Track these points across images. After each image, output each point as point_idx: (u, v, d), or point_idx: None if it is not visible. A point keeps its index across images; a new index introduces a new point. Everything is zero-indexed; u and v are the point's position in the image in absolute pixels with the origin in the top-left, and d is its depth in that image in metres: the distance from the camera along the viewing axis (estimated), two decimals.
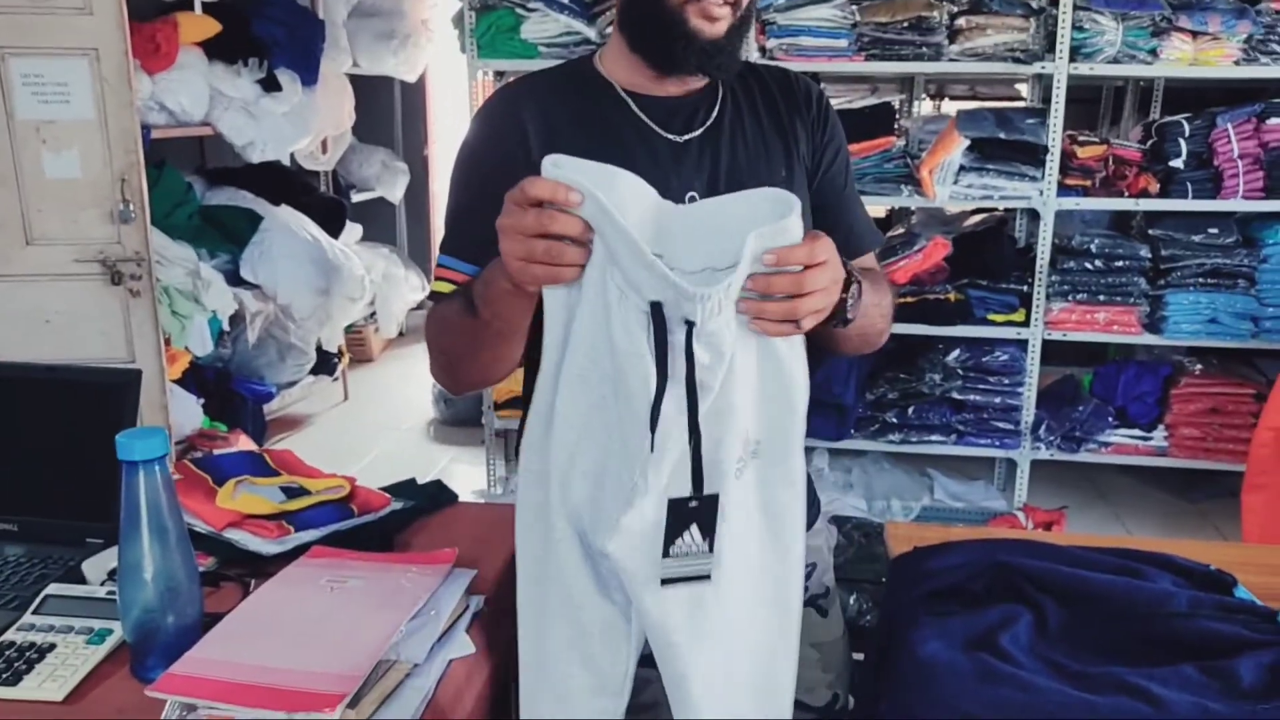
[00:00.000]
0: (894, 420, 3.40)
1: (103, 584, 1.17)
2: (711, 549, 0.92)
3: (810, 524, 1.28)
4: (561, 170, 0.86)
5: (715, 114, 1.16)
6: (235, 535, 1.28)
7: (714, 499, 0.91)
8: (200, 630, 1.04)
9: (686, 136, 1.14)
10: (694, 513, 0.91)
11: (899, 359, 3.45)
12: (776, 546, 0.98)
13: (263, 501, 1.33)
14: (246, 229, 3.85)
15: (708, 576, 0.92)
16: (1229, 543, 1.08)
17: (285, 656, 1.00)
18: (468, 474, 3.87)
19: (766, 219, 0.87)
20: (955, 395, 3.34)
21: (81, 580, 1.18)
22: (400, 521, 1.39)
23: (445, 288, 1.15)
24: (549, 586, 0.99)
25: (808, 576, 1.24)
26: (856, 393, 3.36)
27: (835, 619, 1.30)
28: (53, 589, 1.13)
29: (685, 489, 0.90)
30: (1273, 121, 3.09)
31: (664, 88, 1.15)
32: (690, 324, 0.85)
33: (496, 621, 1.24)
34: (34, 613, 1.09)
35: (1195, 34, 3.03)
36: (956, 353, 3.34)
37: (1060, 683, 0.98)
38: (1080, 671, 1.00)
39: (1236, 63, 3.05)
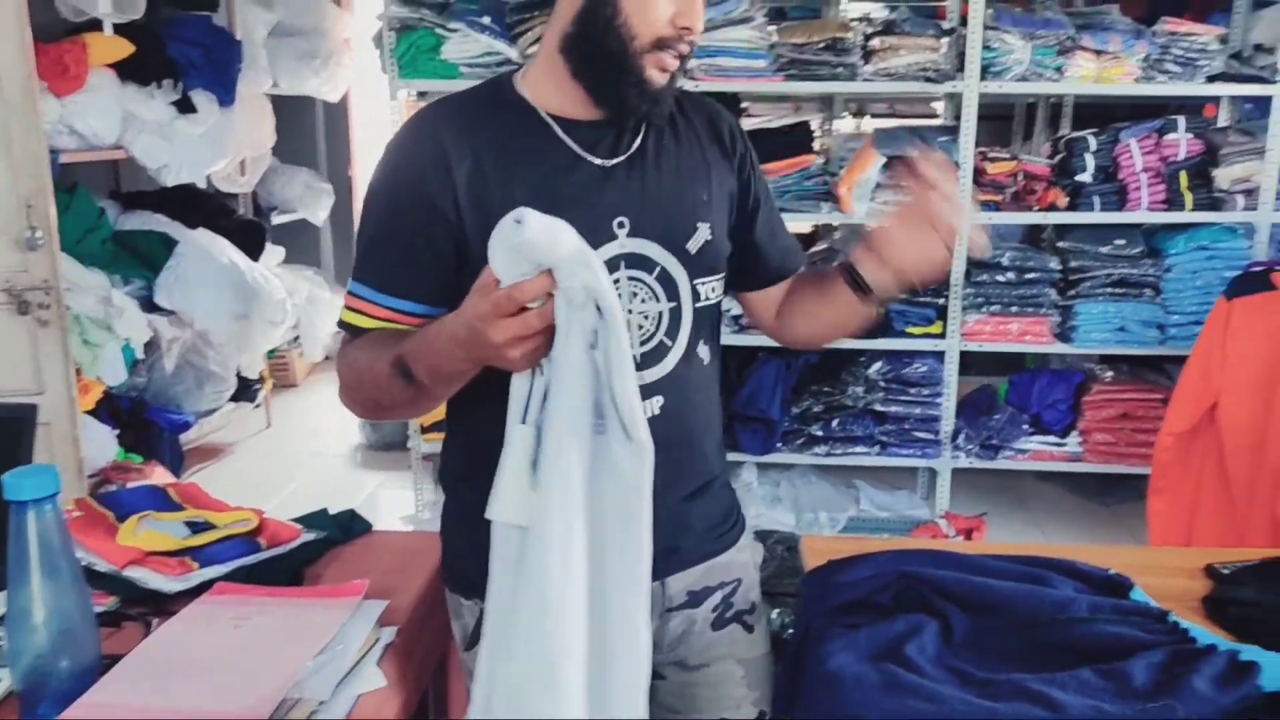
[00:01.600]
0: (819, 433, 3.44)
1: None
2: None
3: (735, 540, 1.29)
4: (531, 229, 0.87)
5: (640, 139, 1.16)
6: (136, 573, 1.25)
7: None
8: (98, 673, 1.01)
9: (613, 161, 1.14)
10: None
11: (822, 373, 3.49)
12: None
13: (165, 538, 1.30)
14: (161, 254, 3.76)
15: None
16: (1131, 546, 1.12)
17: (185, 697, 0.98)
18: (395, 499, 3.81)
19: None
20: (878, 407, 3.40)
21: None
22: (311, 553, 1.36)
23: (357, 320, 1.13)
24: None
25: (733, 594, 1.26)
26: (782, 407, 3.40)
27: (760, 635, 1.30)
28: None
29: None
30: (1171, 136, 3.22)
31: (588, 112, 1.14)
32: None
33: (409, 652, 1.22)
34: None
35: (1098, 52, 3.15)
36: (878, 365, 3.40)
37: (964, 690, 1.00)
38: (984, 679, 1.02)
39: (1136, 80, 3.17)
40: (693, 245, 1.15)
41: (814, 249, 3.61)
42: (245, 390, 4.38)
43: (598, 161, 1.13)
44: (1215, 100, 3.74)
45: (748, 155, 1.26)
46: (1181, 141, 3.21)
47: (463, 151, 1.09)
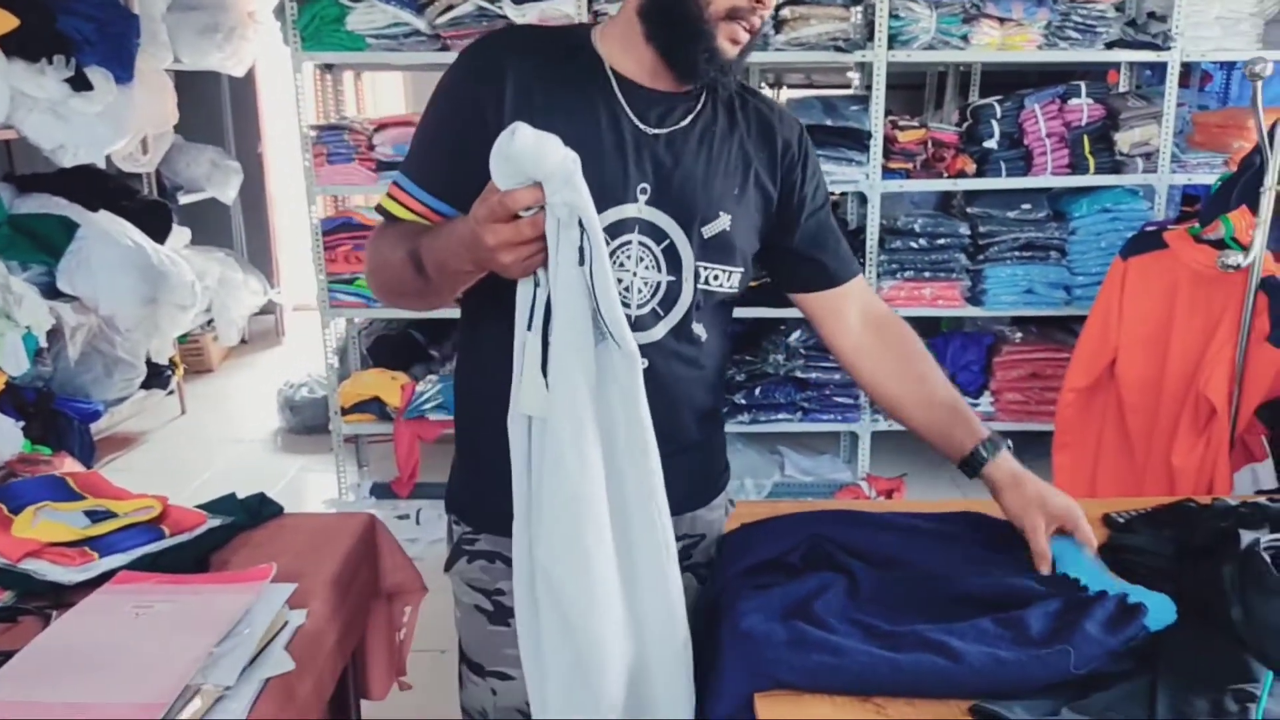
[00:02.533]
0: (742, 401, 3.48)
1: None
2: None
3: (707, 500, 1.34)
4: (520, 141, 0.93)
5: (690, 118, 1.19)
6: (34, 566, 1.21)
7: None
8: None
9: (656, 130, 1.17)
10: None
11: (744, 342, 3.53)
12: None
13: (64, 528, 1.26)
14: (61, 238, 3.61)
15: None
16: None
17: (84, 691, 0.95)
18: (319, 483, 3.75)
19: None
20: (798, 374, 3.45)
21: None
22: (218, 540, 1.34)
23: (394, 208, 1.18)
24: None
25: (694, 546, 1.32)
26: None
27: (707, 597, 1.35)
28: None
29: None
30: (1074, 102, 3.30)
31: (655, 81, 1.17)
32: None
33: (322, 634, 1.21)
34: None
35: (1002, 20, 3.21)
36: (798, 333, 3.45)
37: (868, 643, 1.03)
38: (888, 631, 1.05)
39: (1039, 47, 3.25)
40: (708, 231, 1.19)
41: None
42: (157, 377, 4.25)
43: (642, 127, 1.16)
44: (1116, 66, 3.85)
45: (801, 167, 1.28)
46: (1084, 107, 3.30)
47: (520, 76, 1.14)
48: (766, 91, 5.18)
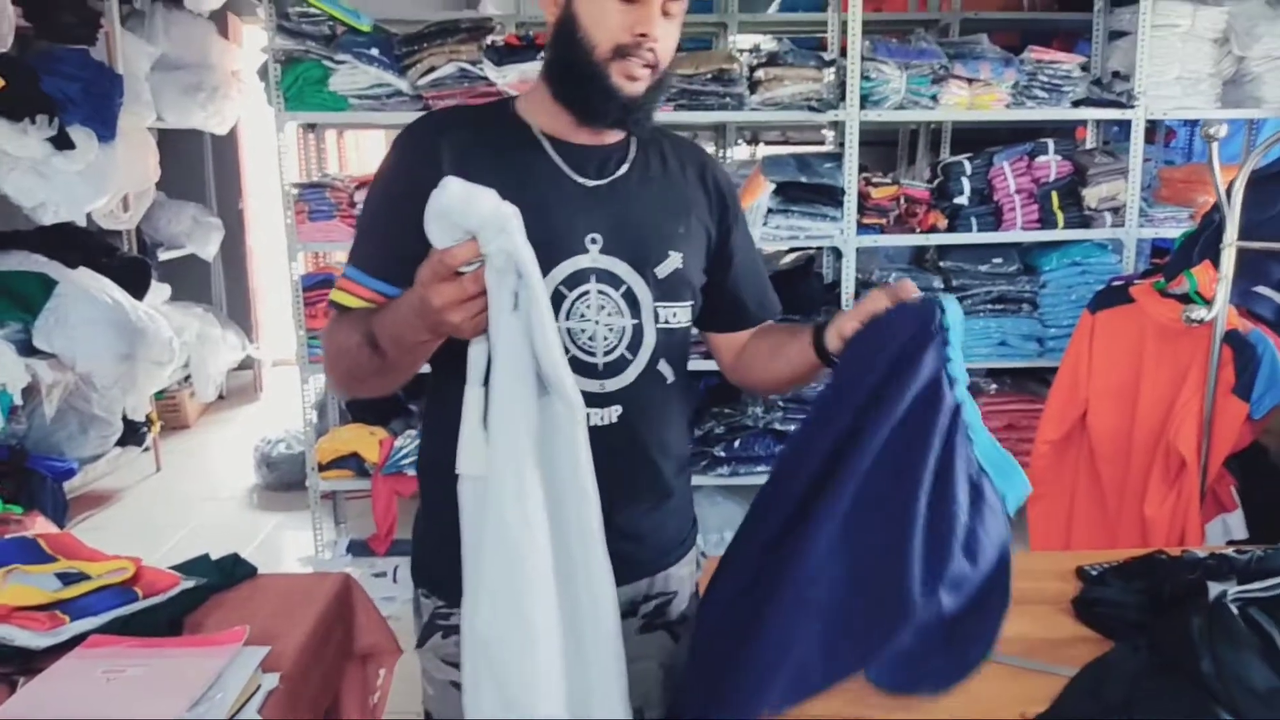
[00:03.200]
0: (722, 454, 3.48)
1: None
2: None
3: (681, 556, 1.34)
4: (449, 193, 0.94)
5: (626, 166, 1.23)
6: (1, 630, 1.20)
7: None
8: None
9: (597, 182, 1.21)
10: None
11: (723, 394, 3.55)
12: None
13: (34, 591, 1.25)
14: (39, 295, 3.61)
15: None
16: (1015, 554, 1.17)
17: None
18: (295, 540, 3.72)
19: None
20: (777, 426, 3.46)
21: None
22: (191, 601, 1.33)
23: (345, 299, 1.19)
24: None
25: (667, 604, 1.31)
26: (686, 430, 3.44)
27: (685, 646, 1.31)
28: None
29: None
30: (1042, 159, 3.38)
31: (580, 136, 1.21)
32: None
33: (295, 696, 1.20)
34: None
35: (970, 80, 3.29)
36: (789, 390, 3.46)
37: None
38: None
39: (1007, 106, 3.33)
40: (661, 271, 1.22)
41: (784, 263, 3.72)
42: (132, 434, 4.23)
43: (581, 180, 1.20)
44: (1084, 123, 3.95)
45: (730, 208, 1.32)
46: (1052, 163, 3.37)
47: (455, 154, 1.17)
48: (743, 149, 5.27)
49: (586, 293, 1.18)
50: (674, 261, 1.23)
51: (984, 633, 1.04)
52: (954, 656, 1.05)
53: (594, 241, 1.18)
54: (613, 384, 1.20)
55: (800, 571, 1.01)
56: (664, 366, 1.24)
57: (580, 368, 1.17)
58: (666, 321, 1.24)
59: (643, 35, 1.13)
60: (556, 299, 1.16)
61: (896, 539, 1.01)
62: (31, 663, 1.17)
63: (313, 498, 3.45)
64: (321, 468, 3.40)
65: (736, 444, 3.46)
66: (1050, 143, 3.40)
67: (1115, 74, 3.48)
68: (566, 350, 1.16)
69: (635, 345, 1.21)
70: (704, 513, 3.66)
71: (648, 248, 1.21)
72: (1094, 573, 1.50)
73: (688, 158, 1.30)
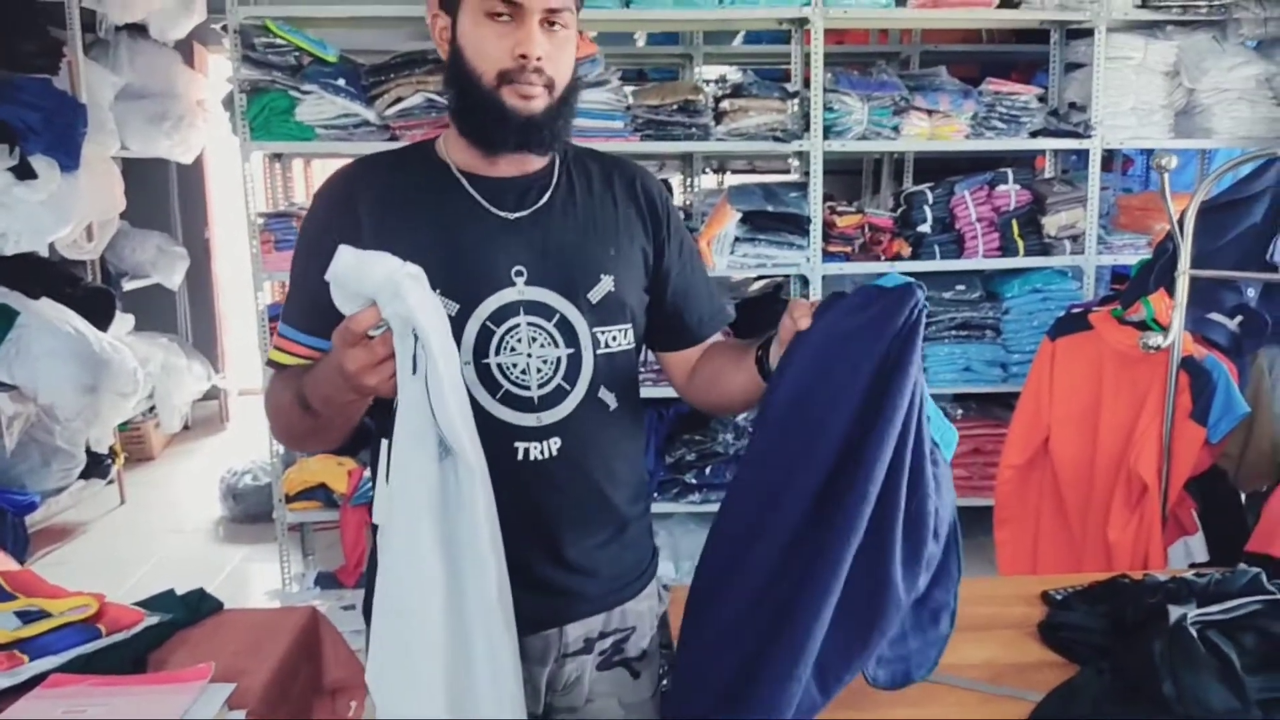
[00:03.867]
0: (693, 481, 3.49)
1: None
2: None
3: (640, 590, 1.32)
4: (341, 262, 0.97)
5: (548, 194, 1.22)
6: None
7: None
8: None
9: (517, 214, 1.20)
10: None
11: (693, 422, 3.56)
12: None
13: None
14: (1, 326, 3.56)
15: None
16: (972, 579, 1.19)
17: None
18: (261, 573, 3.67)
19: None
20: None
21: None
22: (155, 638, 1.31)
23: (281, 358, 1.21)
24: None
25: (625, 640, 1.29)
26: (656, 456, 3.44)
27: (646, 682, 1.33)
28: None
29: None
30: (1002, 188, 3.44)
31: (498, 169, 1.21)
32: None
33: None
34: None
35: (930, 112, 3.35)
36: (747, 413, 3.48)
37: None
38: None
39: (966, 136, 3.39)
40: (594, 295, 1.21)
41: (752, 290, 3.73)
42: (96, 466, 4.17)
43: (501, 214, 1.20)
44: (1043, 153, 4.03)
45: (667, 220, 1.31)
46: (1011, 192, 3.43)
47: (371, 202, 1.18)
48: (710, 177, 5.32)
49: (516, 326, 1.17)
50: (606, 285, 1.22)
51: (947, 601, 1.06)
52: (929, 634, 1.07)
53: (519, 274, 1.18)
54: (549, 416, 1.19)
55: (825, 576, 1.02)
56: (605, 394, 1.23)
57: (514, 401, 1.17)
58: (607, 346, 1.23)
59: (523, 57, 1.14)
60: (485, 335, 1.16)
61: (884, 533, 1.03)
62: None
63: (280, 529, 3.41)
64: (289, 499, 3.36)
65: (708, 470, 3.47)
66: (1010, 172, 3.46)
67: (1072, 105, 3.57)
68: (498, 386, 1.16)
69: (572, 375, 1.20)
70: (676, 540, 3.65)
71: (576, 274, 1.21)
72: (1059, 597, 1.52)
73: (618, 176, 1.30)
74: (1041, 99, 3.48)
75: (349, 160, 1.27)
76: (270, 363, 1.22)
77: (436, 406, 0.98)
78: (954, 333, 3.44)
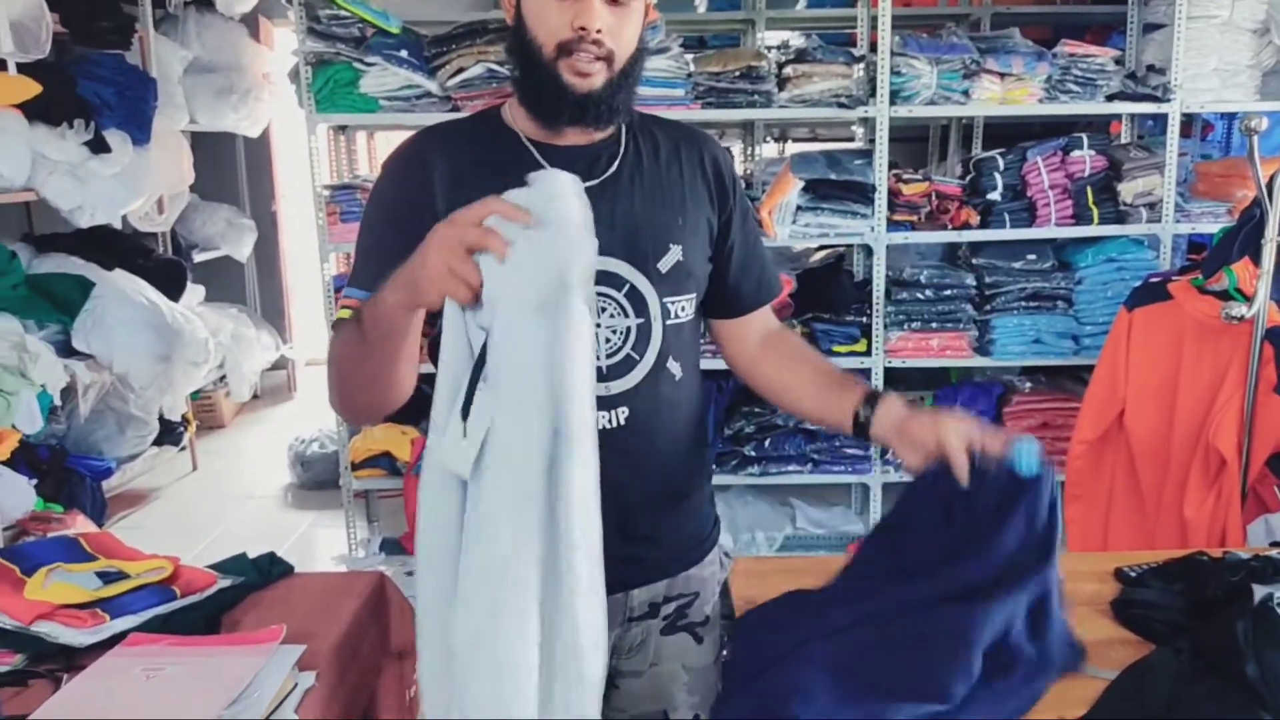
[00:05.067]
0: (752, 454, 3.47)
1: None
2: None
3: (703, 556, 1.33)
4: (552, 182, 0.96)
5: (616, 164, 1.22)
6: (45, 628, 1.22)
7: None
8: None
9: (586, 184, 1.17)
10: None
11: (752, 395, 3.51)
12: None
13: (76, 590, 1.27)
14: (77, 297, 3.66)
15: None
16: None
17: None
18: (328, 539, 3.75)
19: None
20: (808, 426, 3.44)
21: None
22: (228, 600, 1.34)
23: (348, 315, 1.18)
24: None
25: (688, 605, 1.31)
26: (715, 429, 3.43)
27: (709, 647, 1.34)
28: None
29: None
30: (1076, 154, 3.33)
31: (565, 138, 1.21)
32: None
33: (331, 696, 1.21)
34: None
35: (1002, 75, 3.26)
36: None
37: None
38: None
39: (1040, 100, 3.29)
40: (664, 265, 1.21)
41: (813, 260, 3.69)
42: (169, 433, 4.28)
43: None
44: (1117, 118, 3.89)
45: (733, 191, 1.31)
46: (1086, 158, 3.33)
47: (445, 173, 1.18)
48: (771, 146, 5.25)
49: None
50: (675, 254, 1.22)
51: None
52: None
53: None
54: (618, 385, 1.19)
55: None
56: (672, 364, 1.23)
57: None
58: (676, 316, 1.23)
59: (582, 29, 1.12)
60: None
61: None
62: (74, 660, 1.19)
63: (346, 496, 3.47)
64: (354, 467, 3.43)
65: (767, 443, 3.45)
66: (1084, 137, 3.35)
67: (1150, 67, 3.43)
68: None
69: (641, 345, 1.20)
70: (734, 513, 3.65)
71: (645, 243, 1.20)
72: (1133, 574, 1.47)
73: (685, 145, 1.29)
74: (1118, 61, 3.36)
75: (412, 131, 1.28)
76: (335, 325, 1.21)
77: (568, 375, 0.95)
78: (1024, 304, 3.35)
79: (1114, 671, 1.20)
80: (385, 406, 1.18)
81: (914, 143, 5.00)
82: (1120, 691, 1.16)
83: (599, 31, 1.13)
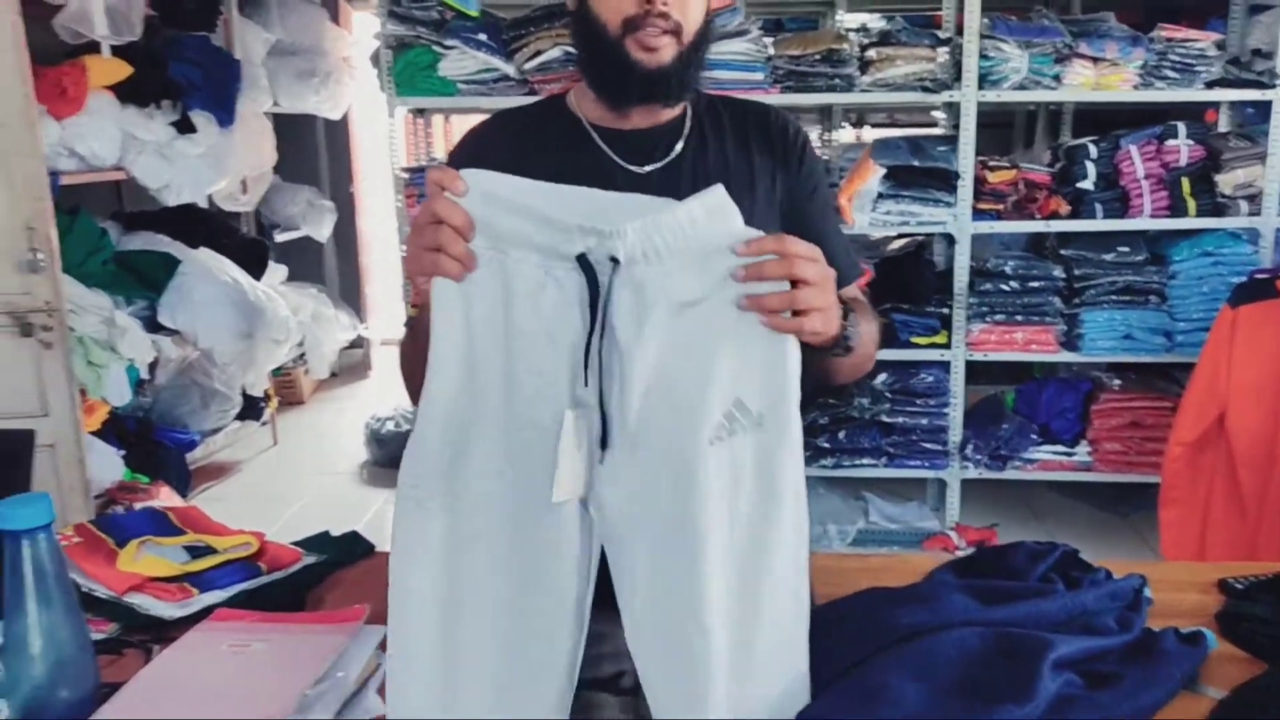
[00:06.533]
0: (826, 445, 3.42)
1: None
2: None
3: None
4: (474, 177, 0.93)
5: (680, 146, 1.20)
6: (137, 599, 1.24)
7: None
8: (95, 702, 0.99)
9: (648, 168, 1.18)
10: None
11: (827, 384, 3.48)
12: (769, 519, 0.97)
13: (165, 563, 1.29)
14: (164, 274, 3.76)
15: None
16: (1141, 561, 1.12)
17: None
18: None
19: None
20: (884, 418, 3.38)
21: None
22: (313, 577, 1.35)
23: (414, 313, 1.19)
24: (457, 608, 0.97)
25: None
26: None
27: None
28: None
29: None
30: (1172, 143, 3.20)
31: (628, 121, 1.19)
32: (615, 262, 0.90)
33: None
34: None
35: (1095, 60, 3.14)
36: (883, 376, 3.38)
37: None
38: None
39: (1135, 87, 3.17)
40: None
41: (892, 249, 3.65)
42: (251, 408, 4.38)
43: (632, 169, 1.18)
44: (1216, 105, 3.73)
45: (800, 156, 1.26)
46: (1182, 148, 3.19)
47: (504, 160, 1.13)
48: (849, 131, 5.15)
49: None
50: None
51: None
52: None
53: None
54: None
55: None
56: None
57: None
58: None
59: (648, 2, 1.10)
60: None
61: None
62: (163, 632, 1.21)
63: None
64: None
65: (841, 435, 3.40)
66: (1181, 125, 3.22)
67: (1256, 52, 3.27)
68: None
69: None
70: (809, 505, 3.60)
71: None
72: (1240, 586, 1.40)
73: (750, 119, 1.25)
74: (1220, 46, 3.21)
75: (487, 115, 1.27)
76: (406, 322, 1.22)
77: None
78: (1114, 298, 3.23)
79: (1221, 690, 1.14)
80: None
81: (996, 129, 4.86)
82: (1233, 711, 1.10)
83: (665, 4, 1.10)
